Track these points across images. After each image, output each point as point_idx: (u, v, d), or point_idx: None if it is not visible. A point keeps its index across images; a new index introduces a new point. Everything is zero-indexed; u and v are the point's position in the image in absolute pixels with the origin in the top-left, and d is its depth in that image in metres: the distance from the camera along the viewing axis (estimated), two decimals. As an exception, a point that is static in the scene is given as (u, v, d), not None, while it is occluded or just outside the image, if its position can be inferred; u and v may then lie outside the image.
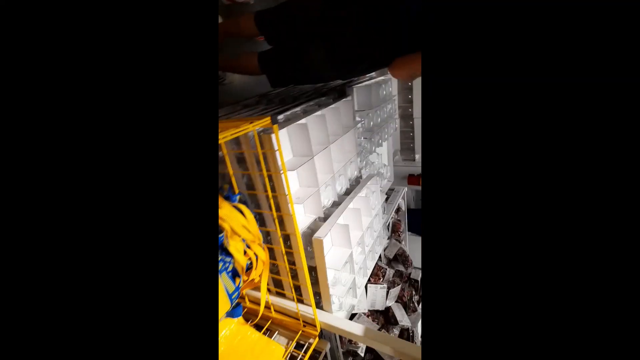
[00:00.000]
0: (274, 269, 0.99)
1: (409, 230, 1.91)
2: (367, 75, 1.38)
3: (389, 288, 1.38)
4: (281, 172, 0.74)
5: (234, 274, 0.71)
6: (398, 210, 1.77)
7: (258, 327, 0.94)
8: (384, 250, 1.56)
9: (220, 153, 0.78)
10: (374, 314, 1.33)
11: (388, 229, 1.63)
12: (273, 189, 0.82)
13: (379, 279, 1.38)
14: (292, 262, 0.92)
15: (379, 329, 1.27)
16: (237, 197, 0.73)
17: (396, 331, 1.35)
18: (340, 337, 1.09)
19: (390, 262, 1.58)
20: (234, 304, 0.72)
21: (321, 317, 0.95)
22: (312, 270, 0.95)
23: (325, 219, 0.97)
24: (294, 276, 0.94)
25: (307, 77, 1.09)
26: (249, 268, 0.75)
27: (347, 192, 1.13)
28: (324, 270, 0.92)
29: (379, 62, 0.93)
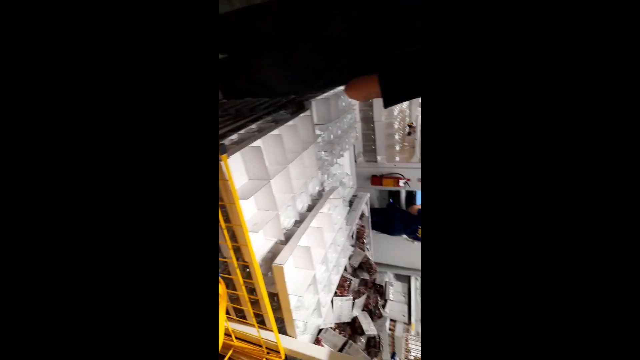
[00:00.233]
0: (233, 297, 0.94)
1: (373, 229, 1.92)
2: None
3: (354, 298, 1.38)
4: (233, 203, 0.69)
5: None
6: (362, 216, 1.77)
7: (220, 357, 0.90)
8: (349, 259, 1.55)
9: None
10: (340, 326, 1.32)
11: (352, 237, 1.63)
12: (227, 220, 0.76)
13: (345, 290, 1.37)
14: (252, 291, 0.88)
15: (345, 342, 1.27)
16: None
17: (363, 340, 1.36)
18: None
19: (355, 270, 1.58)
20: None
21: (284, 343, 0.92)
22: (274, 296, 0.92)
23: (287, 240, 0.93)
24: (255, 303, 0.89)
25: (263, 92, 1.04)
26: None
27: (310, 209, 1.10)
28: (286, 296, 0.88)
29: (335, 82, 0.90)
